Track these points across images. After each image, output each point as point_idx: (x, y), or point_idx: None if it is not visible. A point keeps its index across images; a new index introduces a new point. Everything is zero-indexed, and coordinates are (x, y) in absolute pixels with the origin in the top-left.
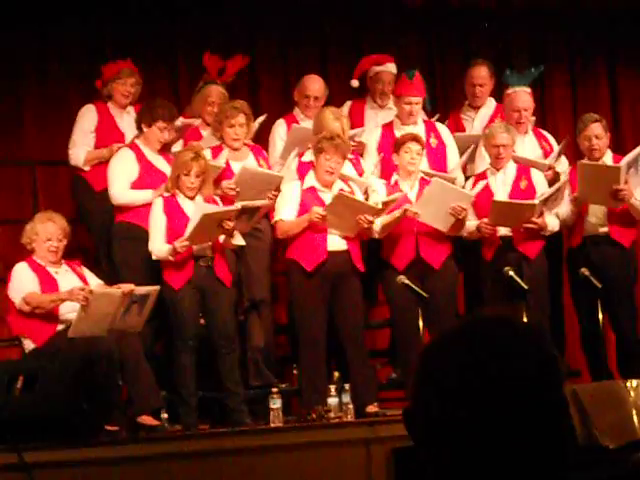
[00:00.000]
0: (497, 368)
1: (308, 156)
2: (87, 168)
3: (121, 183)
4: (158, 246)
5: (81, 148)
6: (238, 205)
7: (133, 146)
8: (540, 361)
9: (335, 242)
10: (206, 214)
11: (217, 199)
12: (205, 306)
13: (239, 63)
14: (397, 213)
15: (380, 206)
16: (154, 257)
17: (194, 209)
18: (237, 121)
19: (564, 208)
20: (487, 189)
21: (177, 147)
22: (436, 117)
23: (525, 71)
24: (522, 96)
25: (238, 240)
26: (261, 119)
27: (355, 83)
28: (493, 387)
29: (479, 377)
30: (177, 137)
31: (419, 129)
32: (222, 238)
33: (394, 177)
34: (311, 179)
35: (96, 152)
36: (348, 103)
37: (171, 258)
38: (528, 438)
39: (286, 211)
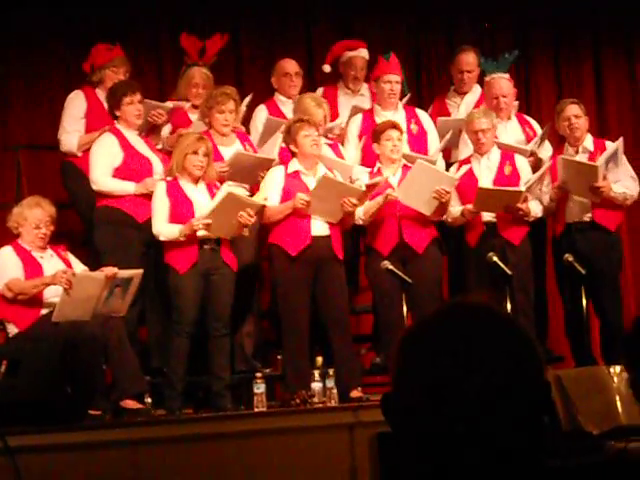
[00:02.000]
0: (476, 355)
1: None
2: (80, 154)
3: (103, 169)
4: (166, 227)
5: (72, 134)
6: (262, 200)
7: (115, 130)
8: (519, 347)
9: (318, 227)
10: (231, 193)
11: (219, 185)
12: (207, 288)
13: (218, 43)
14: (380, 199)
15: (364, 189)
16: (162, 238)
17: (222, 188)
18: (227, 107)
19: (546, 195)
20: (471, 175)
21: (165, 131)
22: (407, 97)
23: (500, 57)
24: (500, 82)
25: (245, 231)
26: (247, 100)
27: (327, 68)
28: (472, 373)
29: (458, 364)
30: (166, 120)
31: (399, 115)
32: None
33: (377, 165)
34: (295, 164)
35: (88, 136)
36: (320, 90)
37: (182, 238)
38: (508, 425)
39: (269, 196)
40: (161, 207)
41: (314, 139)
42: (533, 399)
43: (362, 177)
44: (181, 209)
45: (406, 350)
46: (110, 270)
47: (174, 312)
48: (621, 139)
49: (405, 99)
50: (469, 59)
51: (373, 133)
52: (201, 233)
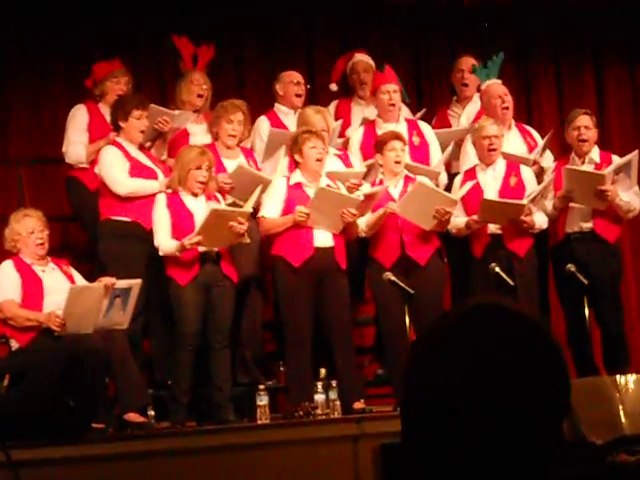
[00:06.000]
0: (504, 359)
1: None
2: (88, 165)
3: (122, 172)
4: (165, 242)
5: (78, 145)
6: (249, 208)
7: (115, 144)
8: (547, 352)
9: (321, 238)
10: (214, 210)
11: (219, 196)
12: (208, 300)
13: (206, 53)
14: (381, 211)
15: (362, 198)
16: (161, 253)
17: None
18: (236, 117)
19: (549, 204)
20: (476, 185)
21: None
22: (423, 112)
23: (489, 64)
24: (497, 85)
25: (245, 238)
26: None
27: (334, 87)
28: (497, 378)
29: (483, 367)
30: (172, 128)
31: (401, 127)
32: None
33: (379, 176)
34: (297, 175)
35: (94, 145)
36: (334, 102)
37: (178, 254)
38: (525, 435)
39: (270, 208)
40: (162, 220)
41: (319, 152)
42: (553, 412)
43: (363, 188)
44: (182, 222)
45: (427, 352)
46: (108, 280)
47: (177, 325)
48: (636, 152)
49: (420, 114)
50: (468, 61)
51: (376, 143)
52: (200, 248)
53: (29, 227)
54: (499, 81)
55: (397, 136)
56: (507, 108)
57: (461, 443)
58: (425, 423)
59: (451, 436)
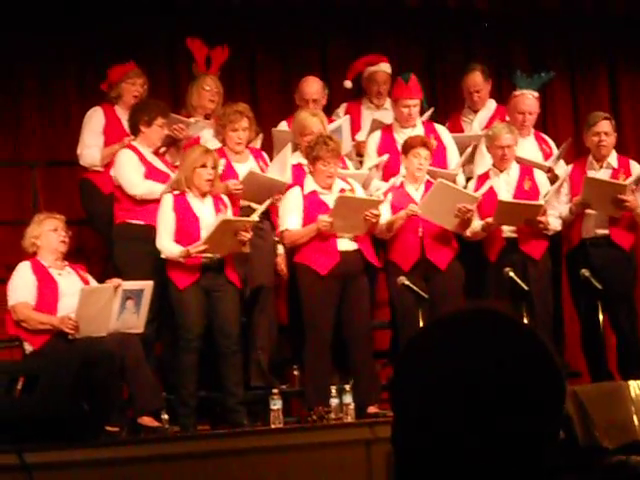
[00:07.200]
0: (487, 364)
1: (295, 158)
2: (102, 168)
3: (137, 175)
4: (168, 245)
5: (93, 148)
6: (255, 217)
7: (132, 148)
8: (534, 357)
9: (344, 242)
10: (225, 220)
11: (225, 198)
12: (212, 305)
13: (221, 55)
14: (402, 213)
15: (382, 198)
16: (163, 256)
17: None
18: (240, 125)
19: (564, 207)
20: (490, 190)
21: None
22: (431, 111)
23: (534, 75)
24: (528, 100)
25: (246, 248)
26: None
27: (348, 84)
28: (490, 384)
29: (476, 374)
30: (187, 135)
31: (418, 131)
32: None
33: (400, 178)
34: (311, 183)
35: (109, 149)
36: (344, 105)
37: (182, 260)
38: (521, 435)
39: (291, 220)
40: (166, 222)
41: (330, 172)
42: (548, 414)
43: (382, 188)
44: (187, 225)
45: (417, 357)
46: (116, 281)
47: (178, 328)
48: None
49: (427, 114)
50: (476, 79)
51: (404, 145)
52: (204, 255)
53: (52, 226)
54: (536, 95)
55: (424, 143)
56: (525, 127)
57: (454, 443)
58: (415, 422)
59: (443, 435)
